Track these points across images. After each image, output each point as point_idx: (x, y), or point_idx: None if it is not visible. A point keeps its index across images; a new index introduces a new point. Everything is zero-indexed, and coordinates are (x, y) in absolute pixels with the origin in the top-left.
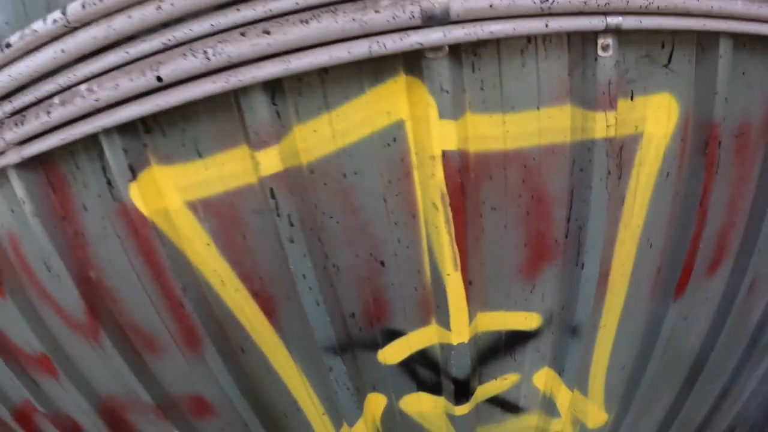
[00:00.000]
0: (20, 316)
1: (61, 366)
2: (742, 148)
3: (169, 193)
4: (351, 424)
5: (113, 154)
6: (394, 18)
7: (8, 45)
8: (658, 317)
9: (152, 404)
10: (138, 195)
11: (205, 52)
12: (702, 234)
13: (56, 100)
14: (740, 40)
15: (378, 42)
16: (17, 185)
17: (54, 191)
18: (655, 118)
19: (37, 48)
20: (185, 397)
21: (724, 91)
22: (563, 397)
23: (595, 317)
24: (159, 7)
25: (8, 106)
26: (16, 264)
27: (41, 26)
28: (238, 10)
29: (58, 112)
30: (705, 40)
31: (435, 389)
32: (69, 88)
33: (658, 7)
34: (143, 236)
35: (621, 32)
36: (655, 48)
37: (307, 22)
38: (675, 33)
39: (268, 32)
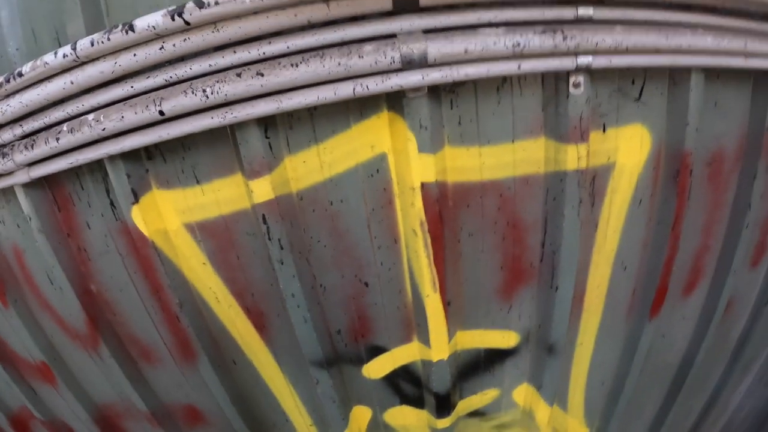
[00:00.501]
0: (22, 326)
1: (60, 374)
2: (715, 175)
3: (168, 215)
4: None
5: (117, 178)
6: (376, 63)
7: (20, 74)
8: (634, 335)
9: (147, 412)
10: (139, 216)
11: (204, 91)
12: (675, 257)
13: (65, 127)
14: (713, 71)
15: (362, 84)
16: (24, 202)
17: (59, 209)
18: (627, 149)
19: (48, 78)
20: (179, 406)
21: (695, 122)
22: (542, 412)
23: (572, 335)
24: (162, 48)
25: (18, 130)
26: (20, 276)
27: (52, 59)
28: (234, 52)
29: (67, 138)
30: (676, 74)
31: (418, 403)
32: (77, 116)
33: (627, 48)
34: (143, 254)
35: (592, 70)
36: (627, 83)
37: (296, 65)
38: (646, 69)
39: (261, 74)
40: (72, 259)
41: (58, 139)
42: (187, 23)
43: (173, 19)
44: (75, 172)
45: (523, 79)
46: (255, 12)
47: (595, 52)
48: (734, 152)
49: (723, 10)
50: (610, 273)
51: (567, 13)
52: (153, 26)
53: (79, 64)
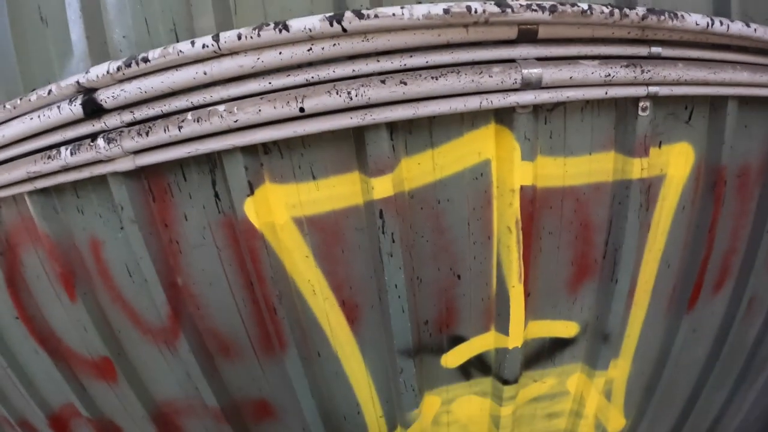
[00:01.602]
0: (89, 320)
1: (123, 370)
2: (742, 186)
3: (277, 208)
4: (406, 427)
5: (234, 170)
6: (502, 82)
7: (146, 60)
8: (672, 329)
9: (215, 407)
10: (252, 209)
11: (348, 93)
12: (710, 257)
13: (190, 116)
14: (745, 100)
15: (487, 99)
16: (117, 191)
17: (154, 200)
18: (676, 163)
19: (176, 67)
20: (250, 400)
21: (730, 141)
22: (591, 400)
23: (623, 326)
24: (310, 49)
25: (128, 116)
26: (93, 268)
27: (188, 48)
28: (378, 60)
29: (191, 127)
30: (716, 101)
31: (485, 392)
32: (204, 107)
33: (685, 80)
34: (250, 247)
35: (657, 97)
36: (679, 108)
37: (436, 78)
38: (694, 97)
39: (404, 83)
40: (162, 251)
41: (180, 128)
42: (344, 30)
43: (331, 24)
44: (179, 163)
45: (602, 101)
46: (406, 28)
47: (661, 84)
48: (758, 167)
49: (753, 49)
50: (657, 270)
51: (642, 50)
52: (309, 29)
53: (218, 56)
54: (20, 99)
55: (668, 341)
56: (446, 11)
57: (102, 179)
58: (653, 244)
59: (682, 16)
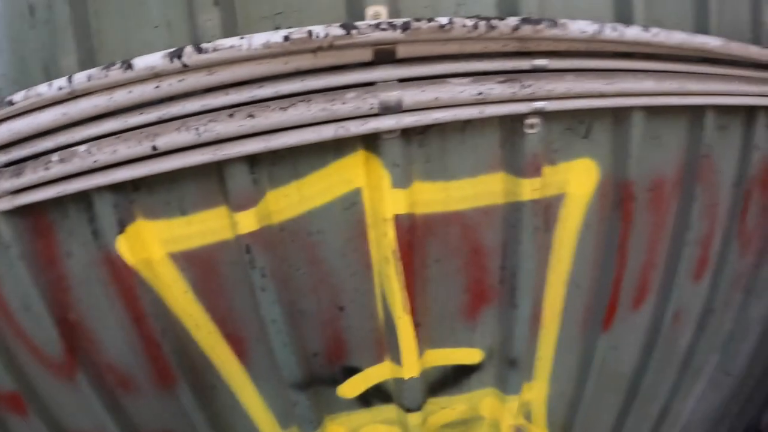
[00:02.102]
0: None
1: (32, 404)
2: (656, 200)
3: (152, 244)
4: None
5: (103, 209)
6: (356, 108)
7: (11, 102)
8: (589, 348)
9: None
10: (125, 246)
11: (197, 129)
12: (623, 275)
13: (55, 157)
14: (653, 109)
15: (343, 127)
16: (4, 229)
17: (39, 237)
18: (576, 180)
19: (40, 109)
20: None
21: (637, 155)
22: (507, 424)
23: (532, 350)
24: (158, 86)
25: (3, 157)
26: None
27: (46, 90)
28: (227, 94)
29: (57, 168)
30: (620, 112)
31: (390, 420)
32: (68, 147)
33: (577, 93)
34: (127, 283)
35: (545, 113)
36: (575, 123)
37: (285, 109)
38: (592, 110)
39: (252, 115)
40: (51, 287)
41: (47, 168)
42: (185, 66)
43: (172, 60)
44: (58, 201)
45: (484, 121)
46: (248, 59)
47: (548, 98)
48: (673, 179)
49: (662, 56)
50: (565, 291)
51: (524, 63)
52: (152, 66)
53: (74, 97)
54: None
55: (587, 360)
56: (286, 38)
57: None
58: (557, 265)
59: (564, 23)
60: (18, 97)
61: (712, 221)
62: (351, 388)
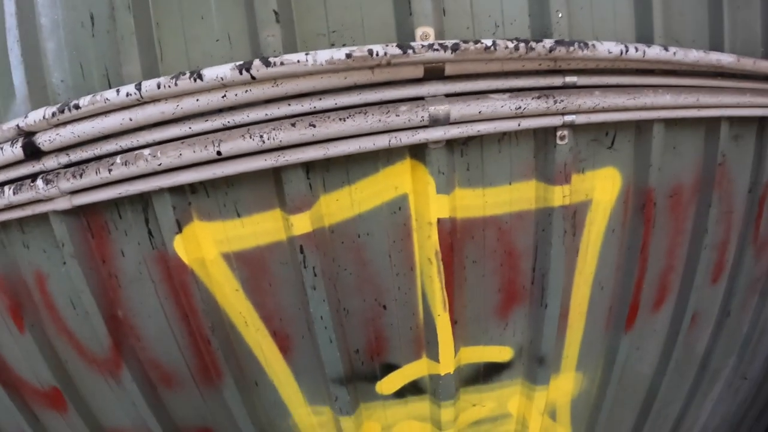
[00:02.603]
0: (37, 351)
1: (72, 400)
2: (675, 206)
3: (206, 244)
4: None
5: (163, 210)
6: (409, 120)
7: (77, 106)
8: (612, 347)
9: None
10: (181, 246)
11: (261, 136)
12: (644, 277)
13: (118, 159)
14: (672, 121)
15: (396, 137)
16: (58, 228)
17: (93, 236)
18: (602, 187)
19: (105, 113)
20: (193, 428)
21: (657, 163)
22: (534, 421)
23: (559, 349)
24: (224, 96)
25: (65, 158)
26: (40, 301)
27: (114, 96)
28: (289, 104)
29: (120, 170)
30: (642, 124)
31: (424, 417)
32: (130, 150)
33: (603, 107)
34: (180, 281)
35: (575, 126)
36: (601, 134)
37: (344, 119)
38: (617, 122)
39: (313, 125)
40: (102, 285)
41: (110, 170)
42: (252, 77)
43: (241, 72)
44: (114, 202)
45: (520, 132)
46: (312, 73)
47: (577, 112)
48: (691, 186)
49: (680, 72)
50: (590, 292)
51: (557, 80)
52: (221, 77)
53: (141, 103)
54: None
55: (610, 360)
56: (348, 56)
57: (44, 216)
58: (583, 267)
59: (593, 45)
60: (84, 101)
61: (727, 226)
62: (389, 384)
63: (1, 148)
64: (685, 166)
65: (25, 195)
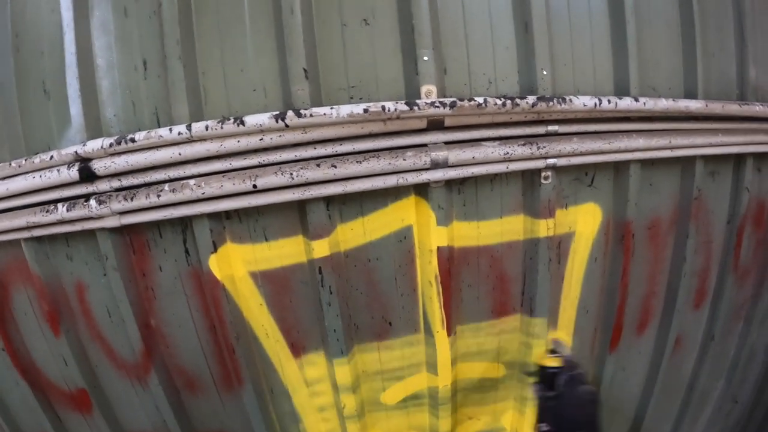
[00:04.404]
0: (70, 354)
1: (98, 401)
2: (654, 237)
3: (236, 264)
4: None
5: (201, 232)
6: (414, 164)
7: (133, 140)
8: (599, 367)
9: None
10: (215, 264)
11: (291, 174)
12: (626, 302)
13: (167, 187)
14: (648, 160)
15: (403, 177)
16: (104, 243)
17: (134, 252)
18: (584, 221)
19: (157, 147)
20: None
21: (634, 199)
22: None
23: None
24: (261, 139)
25: (116, 183)
26: (77, 309)
27: (167, 134)
28: (315, 148)
29: (167, 196)
30: (620, 164)
31: (422, 428)
32: (178, 180)
33: (581, 152)
34: (213, 295)
35: (557, 168)
36: (582, 174)
37: (360, 162)
38: (595, 163)
39: (335, 166)
40: (139, 296)
41: (158, 196)
42: (286, 125)
43: (277, 121)
44: (156, 223)
45: (509, 173)
46: (335, 123)
47: (559, 156)
48: (669, 218)
49: (653, 117)
50: (575, 315)
51: (540, 129)
52: (260, 124)
53: (190, 141)
54: (25, 160)
55: (597, 379)
56: (365, 110)
57: (90, 232)
58: (569, 292)
59: (570, 99)
60: (139, 136)
61: (707, 255)
62: (393, 395)
63: (58, 170)
64: (662, 200)
65: (78, 212)
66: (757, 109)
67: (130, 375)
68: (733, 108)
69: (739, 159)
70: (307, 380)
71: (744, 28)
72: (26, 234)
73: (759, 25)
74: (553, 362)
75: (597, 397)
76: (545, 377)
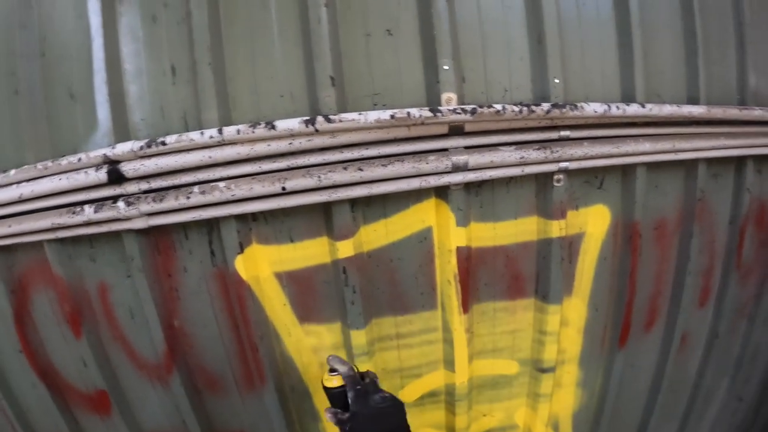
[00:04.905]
0: (91, 355)
1: (117, 402)
2: (660, 237)
3: (262, 264)
4: None
5: (228, 233)
6: (436, 167)
7: (164, 143)
8: (608, 363)
9: None
10: (241, 264)
11: (319, 177)
12: (634, 300)
13: (196, 189)
14: (654, 163)
15: (425, 180)
16: (129, 245)
17: (159, 253)
18: (593, 222)
19: (188, 150)
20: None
21: (641, 201)
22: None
23: (558, 364)
24: (291, 143)
25: (145, 185)
26: (99, 310)
27: (198, 137)
28: (342, 152)
29: (197, 198)
30: (627, 168)
31: (438, 425)
32: (208, 182)
33: (592, 155)
34: (238, 295)
35: (568, 171)
36: (592, 177)
37: (386, 165)
38: (604, 167)
39: (361, 169)
40: (163, 296)
41: (188, 197)
42: (316, 130)
43: (307, 126)
44: (182, 224)
45: (523, 176)
46: (362, 128)
47: (570, 160)
48: (674, 219)
49: (658, 122)
50: (586, 313)
51: (553, 134)
52: (290, 129)
53: (221, 144)
54: (51, 162)
55: (607, 375)
56: (392, 116)
57: (115, 234)
58: (579, 290)
59: (582, 106)
60: (170, 139)
61: (711, 255)
62: (411, 392)
63: (86, 172)
64: (668, 202)
65: (105, 214)
66: (757, 113)
67: (151, 376)
68: (734, 112)
69: (740, 161)
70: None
71: (744, 37)
72: (50, 235)
73: (758, 34)
74: (334, 382)
75: (396, 400)
76: (334, 399)
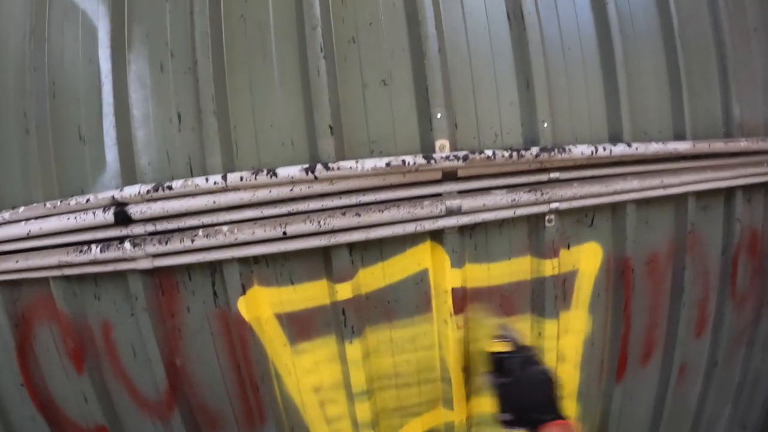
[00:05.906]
0: (92, 392)
1: None
2: (653, 270)
3: (263, 306)
4: None
5: (231, 275)
6: (430, 212)
7: (170, 188)
8: (606, 397)
9: None
10: (243, 305)
11: (318, 222)
12: (630, 333)
13: (201, 232)
14: (643, 199)
15: (420, 224)
16: (134, 284)
17: (163, 293)
18: (586, 259)
19: (193, 195)
20: None
21: (632, 236)
22: None
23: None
24: (292, 189)
25: (150, 227)
26: (102, 347)
27: (203, 183)
28: (340, 198)
29: (201, 241)
30: (617, 205)
31: None
32: (212, 226)
33: (581, 195)
34: (240, 335)
35: (559, 211)
36: (582, 216)
37: (382, 211)
38: (594, 205)
39: (359, 214)
40: (166, 336)
41: (192, 240)
42: (315, 177)
43: (307, 173)
44: (186, 266)
45: (516, 218)
46: (359, 176)
47: (561, 200)
48: (666, 252)
49: (645, 160)
50: (582, 347)
51: (543, 177)
52: (291, 176)
53: (224, 190)
54: (60, 201)
55: (605, 409)
56: (387, 164)
57: (120, 273)
58: (574, 326)
59: (569, 149)
60: (176, 184)
61: (705, 285)
62: (410, 431)
63: (94, 213)
64: (658, 236)
65: (111, 254)
66: (742, 144)
67: (152, 413)
68: (719, 146)
69: (729, 192)
70: (328, 418)
71: (727, 70)
72: (57, 272)
73: (740, 65)
74: (503, 347)
75: (553, 376)
76: (497, 364)
